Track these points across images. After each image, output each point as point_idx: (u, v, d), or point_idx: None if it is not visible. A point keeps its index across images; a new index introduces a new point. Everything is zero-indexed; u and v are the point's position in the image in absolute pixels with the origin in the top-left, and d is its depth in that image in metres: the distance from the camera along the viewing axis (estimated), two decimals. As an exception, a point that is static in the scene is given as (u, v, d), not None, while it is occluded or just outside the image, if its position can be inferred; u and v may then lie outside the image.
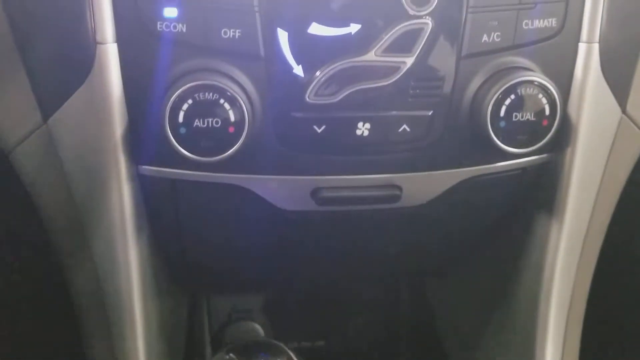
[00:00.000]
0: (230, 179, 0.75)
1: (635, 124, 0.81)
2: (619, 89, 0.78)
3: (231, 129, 0.67)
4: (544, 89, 0.71)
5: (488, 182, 0.80)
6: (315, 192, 0.77)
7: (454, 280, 1.11)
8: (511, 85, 0.70)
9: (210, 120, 0.67)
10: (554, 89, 0.71)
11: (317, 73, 0.70)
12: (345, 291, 1.21)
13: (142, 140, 0.72)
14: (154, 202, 0.79)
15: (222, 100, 0.66)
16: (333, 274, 1.07)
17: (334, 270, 1.04)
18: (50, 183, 0.75)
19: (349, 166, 0.76)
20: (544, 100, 0.72)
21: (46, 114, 0.72)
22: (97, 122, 0.71)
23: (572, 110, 0.77)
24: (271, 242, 0.88)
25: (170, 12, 0.67)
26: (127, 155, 0.72)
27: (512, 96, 0.71)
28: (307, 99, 0.71)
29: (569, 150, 0.79)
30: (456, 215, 0.86)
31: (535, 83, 0.71)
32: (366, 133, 0.73)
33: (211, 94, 0.66)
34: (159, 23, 0.67)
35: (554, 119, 0.72)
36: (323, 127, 0.72)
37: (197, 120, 0.66)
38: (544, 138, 0.73)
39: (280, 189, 0.77)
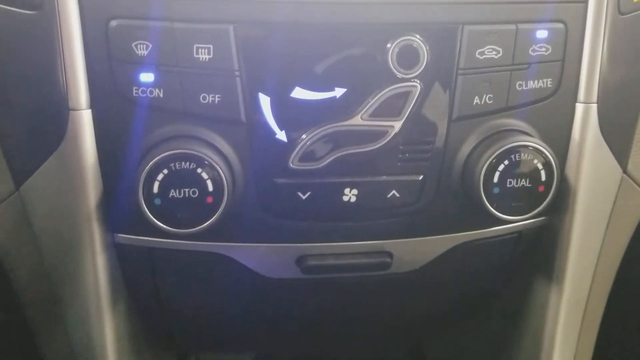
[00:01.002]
0: (210, 247, 0.71)
1: (637, 184, 0.78)
2: (619, 148, 0.75)
3: (209, 199, 0.64)
4: (539, 154, 0.68)
5: (482, 246, 0.76)
6: (300, 260, 0.73)
7: (451, 346, 1.07)
8: (505, 150, 0.67)
9: (186, 190, 0.63)
10: (550, 153, 0.68)
11: (301, 138, 0.67)
12: (339, 350, 1.16)
13: (117, 209, 0.69)
14: (131, 270, 0.76)
15: (199, 170, 0.63)
16: (324, 335, 1.03)
17: (324, 331, 1.00)
18: (22, 252, 0.72)
19: (336, 233, 0.72)
20: (540, 166, 0.68)
21: (18, 181, 0.68)
22: (70, 189, 0.67)
23: (570, 172, 0.74)
24: (256, 308, 0.85)
25: (147, 77, 0.64)
26: (102, 224, 0.69)
27: (506, 162, 0.67)
28: (291, 164, 0.68)
29: (568, 212, 0.76)
30: (450, 280, 0.82)
31: (530, 148, 0.68)
32: (353, 199, 0.70)
33: (187, 163, 0.63)
34: (134, 88, 0.64)
35: (551, 185, 0.69)
36: (308, 194, 0.69)
37: (172, 190, 0.63)
38: (540, 205, 0.69)
39: (263, 257, 0.73)
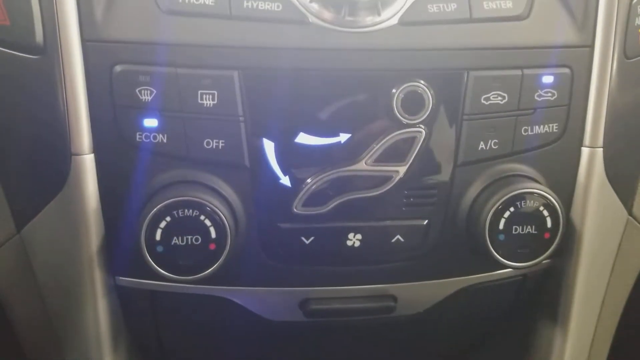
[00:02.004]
0: (213, 290, 0.71)
1: (643, 225, 0.77)
2: (625, 191, 0.75)
3: (212, 246, 0.63)
4: (545, 201, 0.67)
5: (487, 289, 0.76)
6: (303, 304, 0.72)
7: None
8: (511, 197, 0.66)
9: (189, 237, 0.63)
10: (556, 200, 0.67)
11: (305, 183, 0.67)
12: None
13: (119, 253, 0.68)
14: (133, 313, 0.75)
15: (202, 217, 0.63)
16: None
17: None
18: (22, 294, 0.71)
19: (340, 277, 0.72)
20: (546, 213, 0.68)
21: (20, 224, 0.68)
22: (72, 233, 0.67)
23: (576, 215, 0.73)
24: (259, 350, 0.84)
25: (151, 122, 0.64)
26: (103, 267, 0.69)
27: (512, 208, 0.67)
28: (295, 209, 0.67)
29: (573, 255, 0.75)
30: (454, 322, 0.81)
31: (536, 194, 0.67)
32: (357, 244, 0.69)
33: (190, 211, 0.62)
34: (138, 134, 0.64)
35: (557, 232, 0.68)
36: (312, 239, 0.69)
37: (175, 238, 0.63)
38: (545, 251, 0.69)
39: (266, 300, 0.73)
